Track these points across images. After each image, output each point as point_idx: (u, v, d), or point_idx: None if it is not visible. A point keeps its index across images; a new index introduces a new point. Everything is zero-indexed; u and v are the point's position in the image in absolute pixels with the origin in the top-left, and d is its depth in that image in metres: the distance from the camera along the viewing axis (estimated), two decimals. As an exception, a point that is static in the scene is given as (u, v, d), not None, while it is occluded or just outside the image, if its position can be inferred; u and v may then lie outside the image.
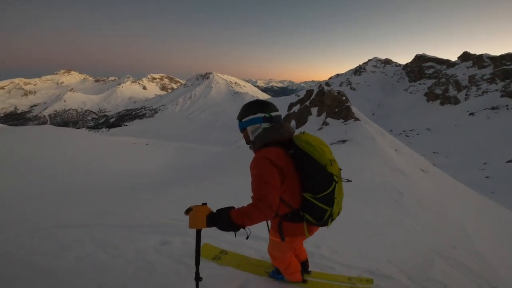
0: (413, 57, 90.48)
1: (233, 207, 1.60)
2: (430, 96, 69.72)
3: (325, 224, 1.70)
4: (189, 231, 3.09)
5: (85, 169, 10.13)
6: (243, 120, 1.81)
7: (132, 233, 3.18)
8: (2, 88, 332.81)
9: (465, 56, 74.00)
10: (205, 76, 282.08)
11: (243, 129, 1.83)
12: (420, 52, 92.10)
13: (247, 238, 1.81)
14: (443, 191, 6.68)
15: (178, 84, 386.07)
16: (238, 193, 5.27)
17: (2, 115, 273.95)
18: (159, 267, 2.44)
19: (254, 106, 1.79)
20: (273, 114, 1.76)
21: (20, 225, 3.78)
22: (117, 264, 2.49)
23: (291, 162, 1.67)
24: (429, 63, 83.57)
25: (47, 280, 2.30)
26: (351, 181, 1.81)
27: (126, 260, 2.54)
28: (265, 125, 1.76)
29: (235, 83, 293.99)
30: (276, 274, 2.24)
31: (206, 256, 2.51)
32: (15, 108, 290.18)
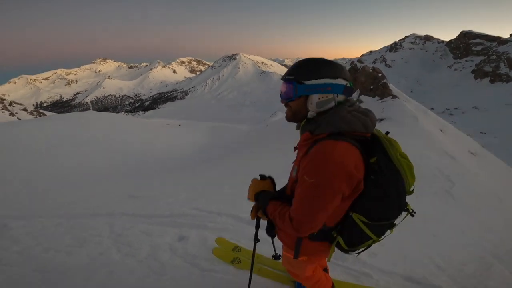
0: (458, 34, 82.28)
1: (277, 195, 1.31)
2: (479, 73, 63.33)
3: (351, 252, 1.28)
4: (208, 224, 2.98)
5: (123, 151, 10.64)
6: (307, 83, 1.12)
7: (150, 225, 3.07)
8: (47, 79, 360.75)
9: None
10: (232, 57, 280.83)
11: (298, 96, 1.14)
12: (466, 29, 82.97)
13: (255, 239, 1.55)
14: (498, 179, 5.86)
15: (206, 66, 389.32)
16: (267, 173, 5.07)
17: (50, 103, 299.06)
18: (170, 269, 2.26)
19: (331, 66, 1.13)
20: (352, 86, 1.16)
21: (49, 215, 3.85)
22: (127, 266, 2.36)
23: (363, 173, 1.09)
24: (477, 40, 75.54)
25: (53, 283, 2.21)
26: (415, 213, 1.24)
27: (137, 261, 2.40)
28: (340, 99, 1.14)
29: (262, 62, 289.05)
30: (301, 285, 1.85)
31: (221, 257, 2.29)
32: (61, 96, 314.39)
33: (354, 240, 1.20)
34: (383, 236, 1.20)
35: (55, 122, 12.95)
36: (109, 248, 2.63)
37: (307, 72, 1.14)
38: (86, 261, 2.46)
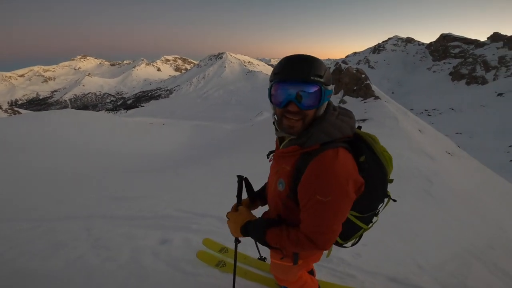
0: (437, 36, 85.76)
1: (271, 222, 1.16)
2: (456, 75, 66.33)
3: (345, 244, 1.30)
4: (192, 226, 2.92)
5: (103, 151, 10.31)
6: (329, 87, 1.05)
7: (132, 228, 2.97)
8: (22, 76, 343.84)
9: (496, 37, 69.48)
10: (218, 56, 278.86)
11: (317, 105, 1.03)
12: (445, 32, 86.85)
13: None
14: (473, 179, 6.13)
15: (192, 64, 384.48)
16: (252, 173, 5.05)
17: (25, 101, 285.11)
18: (152, 274, 2.19)
19: (329, 72, 1.07)
20: None
21: (23, 218, 3.64)
22: (107, 270, 2.25)
23: None
24: (455, 43, 79.13)
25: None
26: (396, 201, 1.27)
27: (117, 265, 2.30)
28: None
29: (249, 62, 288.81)
30: None
31: (206, 260, 2.23)
32: (37, 94, 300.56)
33: (347, 233, 1.22)
34: (371, 224, 1.24)
35: (30, 121, 12.38)
36: (87, 252, 2.50)
37: (329, 74, 1.04)
38: (63, 266, 2.33)
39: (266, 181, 1.42)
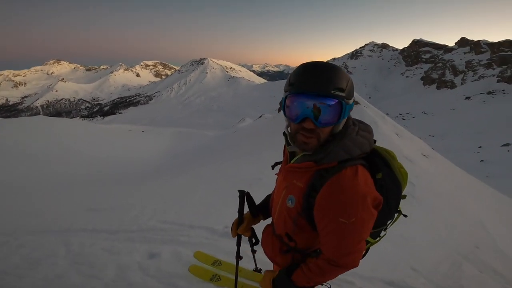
0: (410, 42, 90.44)
1: (294, 269, 1.11)
2: (427, 80, 70.07)
3: None
4: (180, 238, 2.82)
5: (78, 159, 9.84)
6: (350, 102, 0.96)
7: (115, 242, 2.83)
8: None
9: (463, 42, 74.38)
10: (200, 61, 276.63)
11: (336, 122, 0.95)
12: (418, 37, 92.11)
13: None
14: (450, 179, 6.45)
15: (172, 70, 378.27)
16: (236, 180, 5.07)
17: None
18: None
19: (352, 82, 0.97)
20: None
21: (1, 229, 3.41)
22: None
23: None
24: (426, 48, 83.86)
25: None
26: (406, 216, 1.22)
27: (103, 283, 2.16)
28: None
29: (231, 68, 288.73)
30: None
31: (199, 274, 2.16)
32: (6, 100, 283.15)
33: None
34: (378, 238, 1.21)
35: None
36: (67, 270, 2.34)
37: (351, 86, 0.94)
38: (42, 285, 2.17)
39: (269, 194, 1.38)
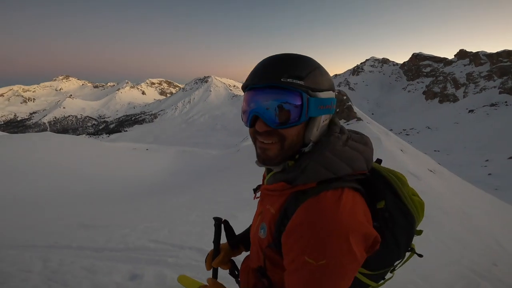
0: (410, 55, 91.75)
1: None
2: (429, 94, 70.37)
3: None
4: (168, 259, 2.67)
5: (81, 176, 9.87)
6: (321, 95, 0.72)
7: (97, 261, 2.68)
8: (1, 95, 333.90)
9: (462, 54, 75.26)
10: (204, 79, 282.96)
11: (307, 118, 0.71)
12: (417, 51, 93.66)
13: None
14: (459, 195, 6.24)
15: (177, 88, 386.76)
16: (236, 199, 4.93)
17: (2, 122, 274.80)
18: None
19: (324, 72, 0.75)
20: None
21: None
22: None
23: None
24: (426, 62, 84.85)
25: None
26: (422, 256, 0.94)
27: None
28: (326, 119, 0.77)
29: (234, 86, 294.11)
30: None
31: None
32: (15, 115, 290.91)
33: None
34: (382, 281, 0.93)
35: (3, 143, 11.85)
36: (37, 287, 2.21)
37: (317, 76, 0.71)
38: None
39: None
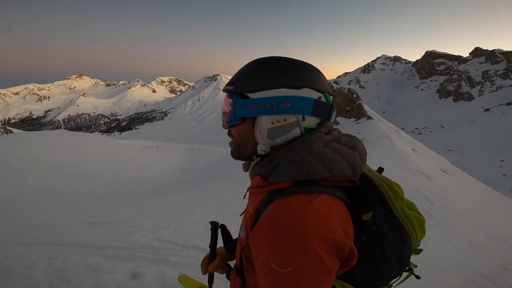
0: (423, 53, 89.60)
1: None
2: (442, 92, 68.68)
3: None
4: (171, 258, 2.66)
5: (94, 173, 10.06)
6: (252, 96, 0.71)
7: (101, 259, 2.68)
8: (17, 94, 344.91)
9: (477, 52, 73.02)
10: (213, 78, 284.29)
11: (240, 119, 0.74)
12: (430, 49, 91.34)
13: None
14: (472, 196, 6.03)
15: (187, 86, 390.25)
16: (239, 199, 4.82)
17: (18, 120, 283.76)
18: None
19: (291, 67, 0.72)
20: (330, 98, 0.74)
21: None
22: None
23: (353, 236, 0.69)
24: (440, 60, 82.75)
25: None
26: (419, 277, 0.84)
27: None
28: (310, 122, 0.71)
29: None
30: None
31: None
32: (30, 113, 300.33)
33: None
34: None
35: (21, 140, 12.26)
36: (40, 284, 2.21)
37: (251, 78, 0.72)
38: None
39: None
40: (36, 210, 5.55)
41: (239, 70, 0.77)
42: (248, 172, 0.82)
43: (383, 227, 0.69)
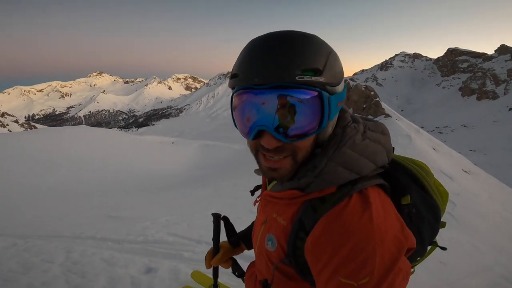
0: (445, 51, 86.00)
1: None
2: (466, 90, 65.81)
3: None
4: (184, 254, 2.67)
5: (113, 168, 10.39)
6: (338, 88, 0.57)
7: (116, 252, 2.72)
8: (41, 91, 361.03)
9: (503, 49, 69.39)
10: (227, 75, 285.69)
11: (317, 130, 0.55)
12: (452, 46, 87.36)
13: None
14: (496, 198, 5.76)
15: (202, 83, 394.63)
16: (254, 196, 4.86)
17: (42, 116, 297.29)
18: None
19: (336, 54, 0.58)
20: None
21: (9, 233, 3.52)
22: None
23: None
24: (463, 57, 79.25)
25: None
26: (445, 249, 0.80)
27: None
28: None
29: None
30: None
31: None
32: (53, 109, 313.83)
33: None
34: None
35: (45, 136, 12.80)
36: (56, 278, 2.25)
37: (333, 62, 0.55)
38: None
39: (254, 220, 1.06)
40: (57, 203, 5.75)
41: (304, 48, 0.52)
42: (270, 184, 0.74)
43: (421, 209, 0.66)
